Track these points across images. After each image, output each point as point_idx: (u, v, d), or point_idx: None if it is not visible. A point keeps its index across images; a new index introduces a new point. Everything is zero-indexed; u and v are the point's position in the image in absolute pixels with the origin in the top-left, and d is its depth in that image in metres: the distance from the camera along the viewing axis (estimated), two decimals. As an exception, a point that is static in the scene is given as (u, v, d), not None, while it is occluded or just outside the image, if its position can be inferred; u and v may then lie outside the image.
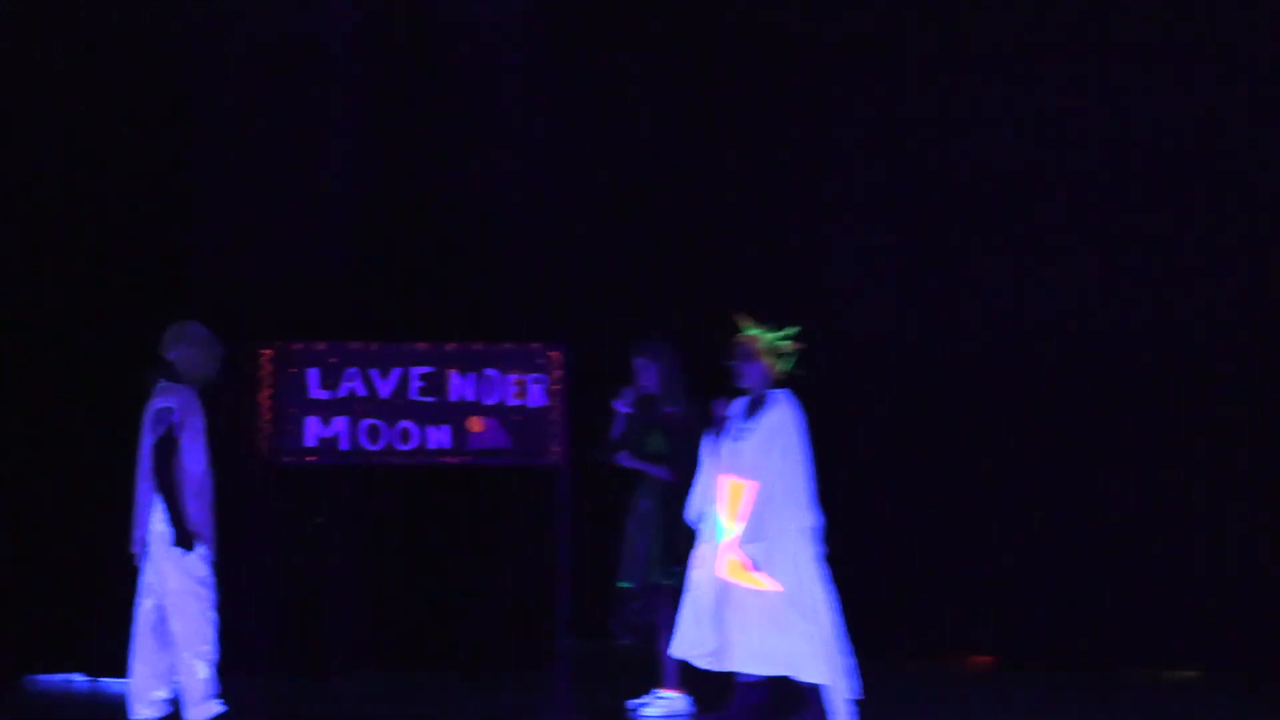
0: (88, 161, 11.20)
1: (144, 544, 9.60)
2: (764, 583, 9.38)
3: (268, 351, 10.18)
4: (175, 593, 9.52)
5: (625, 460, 10.33)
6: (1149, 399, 12.47)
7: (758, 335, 9.42)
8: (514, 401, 10.22)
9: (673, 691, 10.35)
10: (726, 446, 9.43)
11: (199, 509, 9.58)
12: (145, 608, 9.62)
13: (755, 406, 9.42)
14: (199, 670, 9.53)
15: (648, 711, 10.31)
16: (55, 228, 11.08)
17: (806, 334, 9.56)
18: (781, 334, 9.51)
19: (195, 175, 11.51)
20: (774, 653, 9.43)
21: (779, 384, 9.52)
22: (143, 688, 9.64)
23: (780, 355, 9.44)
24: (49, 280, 11.04)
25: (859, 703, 9.42)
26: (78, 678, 11.25)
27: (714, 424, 9.55)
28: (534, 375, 10.22)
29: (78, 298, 11.11)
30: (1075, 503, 12.48)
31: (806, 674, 9.37)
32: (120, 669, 10.65)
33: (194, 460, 9.57)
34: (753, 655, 9.47)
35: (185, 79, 11.51)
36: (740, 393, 9.38)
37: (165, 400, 9.54)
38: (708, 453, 9.52)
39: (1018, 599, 12.55)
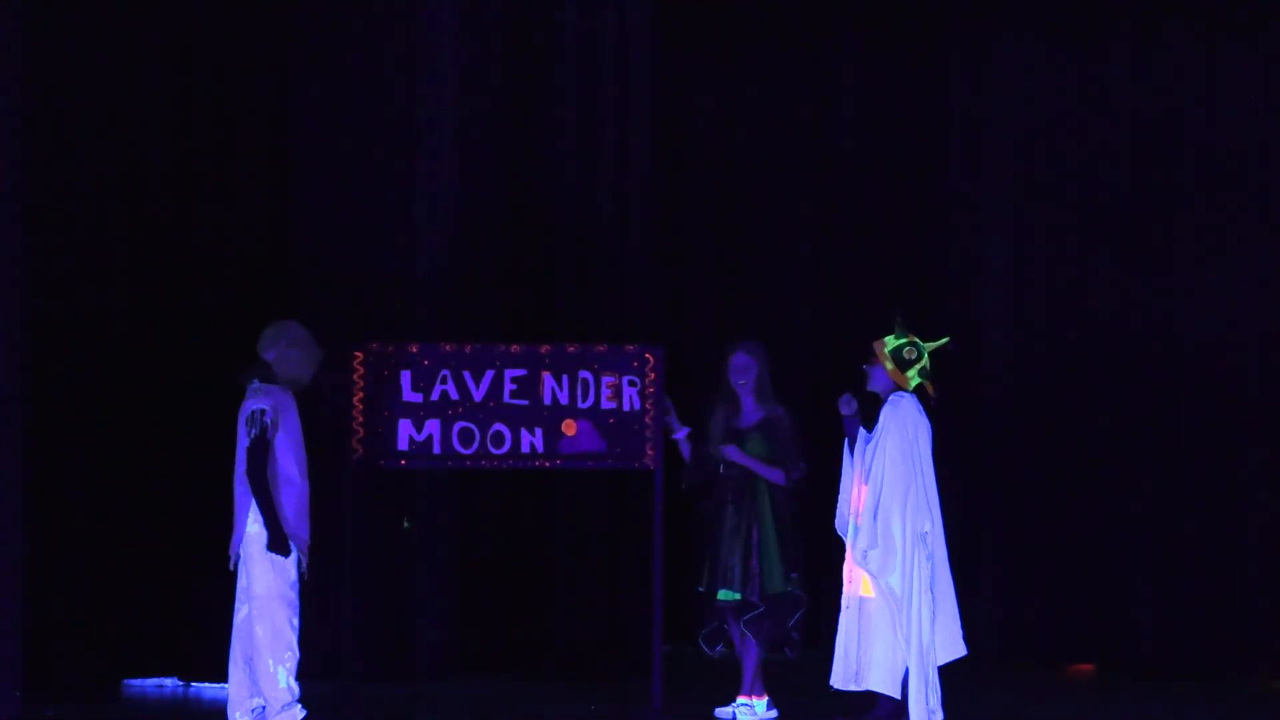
0: (187, 161, 11.19)
1: (239, 550, 9.57)
2: (873, 590, 9.40)
3: (360, 354, 10.11)
4: (261, 598, 9.46)
5: (737, 456, 10.13)
6: (1259, 402, 12.27)
7: (882, 341, 9.52)
8: (608, 404, 10.11)
9: (751, 698, 10.26)
10: (861, 455, 9.55)
11: (294, 513, 9.52)
12: (241, 615, 9.58)
13: (878, 412, 9.49)
14: (280, 677, 9.48)
15: (725, 714, 10.22)
16: (153, 229, 11.07)
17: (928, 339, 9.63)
18: (907, 341, 9.56)
19: (293, 178, 11.47)
20: (874, 664, 9.45)
21: (906, 389, 9.55)
22: (240, 694, 9.61)
23: (903, 362, 9.51)
24: (148, 283, 11.03)
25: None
26: (170, 682, 11.24)
27: (845, 425, 9.61)
28: (629, 377, 10.11)
29: (176, 300, 11.10)
30: (1180, 507, 12.29)
31: (874, 683, 9.39)
32: (213, 673, 10.68)
33: (288, 463, 9.51)
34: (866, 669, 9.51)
35: (284, 81, 11.49)
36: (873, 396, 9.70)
37: (258, 402, 9.46)
38: (847, 458, 9.76)
39: (1119, 605, 12.37)
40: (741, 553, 10.06)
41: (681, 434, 10.18)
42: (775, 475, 10.09)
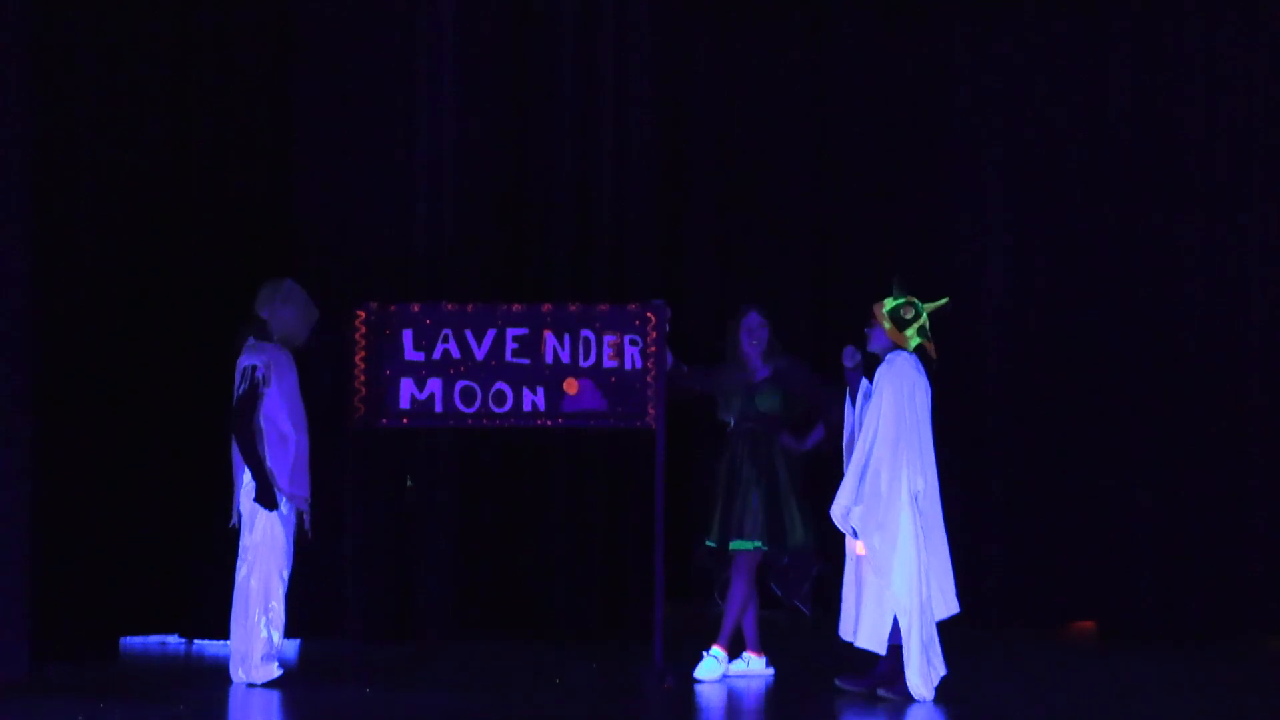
0: (189, 124, 11.19)
1: (239, 508, 9.64)
2: (863, 548, 9.47)
3: (362, 313, 10.12)
4: (254, 548, 9.56)
5: (794, 445, 10.24)
6: (1261, 362, 12.33)
7: (881, 302, 9.56)
8: (610, 363, 10.12)
9: (754, 654, 10.39)
10: (861, 407, 9.60)
11: (291, 470, 9.57)
12: (242, 573, 9.64)
13: (874, 371, 9.55)
14: (262, 630, 9.55)
15: (732, 669, 10.33)
16: (155, 192, 11.07)
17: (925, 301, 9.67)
18: (904, 301, 9.59)
19: (294, 137, 11.47)
20: (862, 621, 9.52)
21: (905, 349, 9.59)
22: (241, 650, 9.66)
23: (901, 322, 9.55)
24: (151, 244, 11.03)
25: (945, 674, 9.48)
26: (171, 639, 11.27)
27: (848, 377, 9.65)
28: (630, 336, 10.12)
29: (178, 259, 11.10)
30: (1180, 467, 12.33)
31: (863, 640, 9.46)
32: (215, 631, 10.71)
33: (282, 419, 9.56)
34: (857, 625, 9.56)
35: (284, 44, 11.48)
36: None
37: (250, 358, 9.57)
38: (850, 412, 9.81)
39: (1120, 566, 12.41)
40: (762, 505, 10.15)
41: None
42: (819, 434, 10.25)
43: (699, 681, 10.14)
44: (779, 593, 10.26)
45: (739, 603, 10.24)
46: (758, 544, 10.17)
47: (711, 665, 10.23)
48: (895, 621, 9.48)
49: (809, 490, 10.28)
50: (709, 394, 10.40)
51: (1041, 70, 12.78)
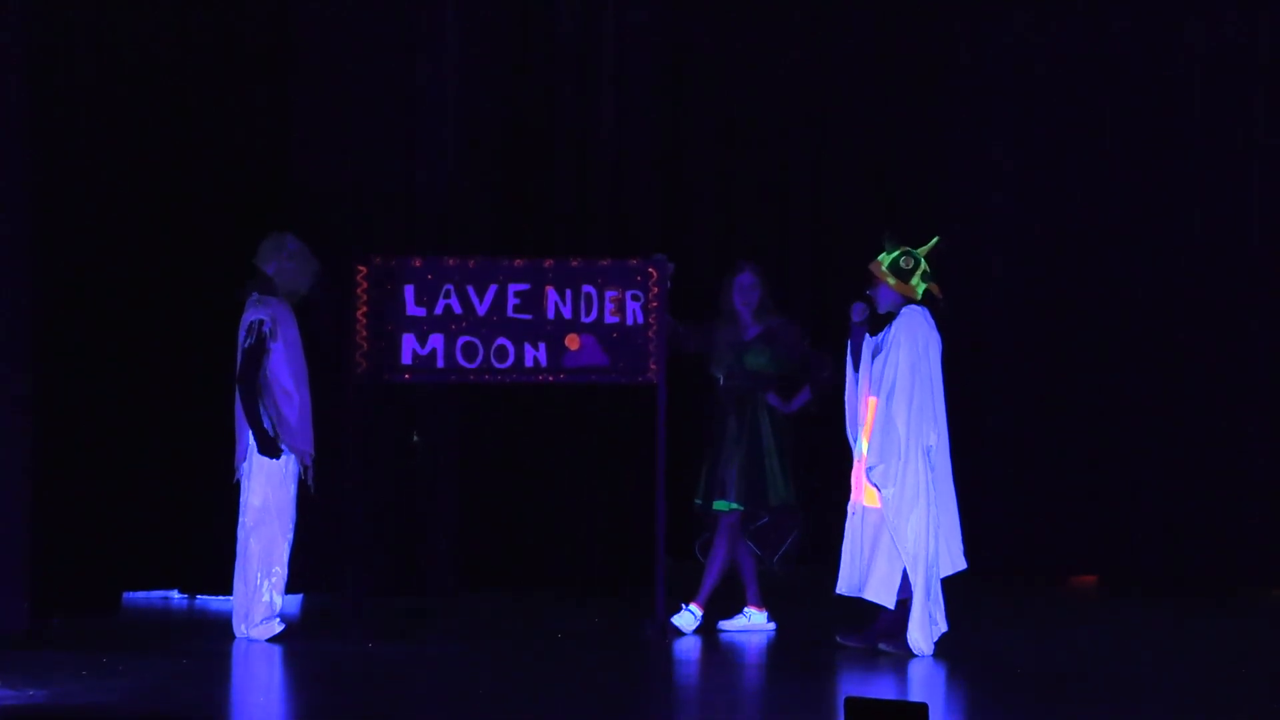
0: (188, 76, 11.14)
1: (243, 464, 9.65)
2: (878, 500, 9.48)
3: (363, 268, 10.11)
4: (257, 510, 9.58)
5: (780, 404, 10.23)
6: (1262, 312, 12.32)
7: (878, 260, 9.52)
8: (611, 319, 10.11)
9: (755, 609, 10.38)
10: (867, 365, 9.57)
11: (295, 424, 9.59)
12: (243, 534, 9.67)
13: (885, 325, 9.50)
14: (264, 591, 9.58)
15: (727, 626, 10.32)
16: (154, 145, 11.03)
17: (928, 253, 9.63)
18: (901, 252, 9.55)
19: (294, 91, 11.43)
20: (873, 575, 9.52)
21: (915, 301, 9.56)
22: (244, 606, 9.68)
23: (903, 273, 9.51)
24: (150, 198, 10.99)
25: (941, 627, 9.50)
26: (174, 594, 11.29)
27: (853, 332, 9.63)
28: (632, 291, 10.11)
29: (178, 216, 11.07)
30: (1184, 419, 12.32)
31: (871, 593, 9.47)
32: (216, 586, 10.73)
33: (284, 375, 9.58)
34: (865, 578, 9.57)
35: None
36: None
37: (256, 313, 9.59)
38: (850, 370, 9.74)
39: (1123, 518, 12.43)
40: (741, 464, 10.16)
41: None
42: (805, 396, 10.22)
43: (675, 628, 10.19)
44: (758, 552, 10.25)
45: (720, 563, 10.27)
46: (736, 505, 10.18)
47: (686, 618, 10.27)
48: (904, 576, 9.49)
49: (797, 450, 10.27)
50: (703, 351, 10.38)
51: (1048, 44, 12.75)
